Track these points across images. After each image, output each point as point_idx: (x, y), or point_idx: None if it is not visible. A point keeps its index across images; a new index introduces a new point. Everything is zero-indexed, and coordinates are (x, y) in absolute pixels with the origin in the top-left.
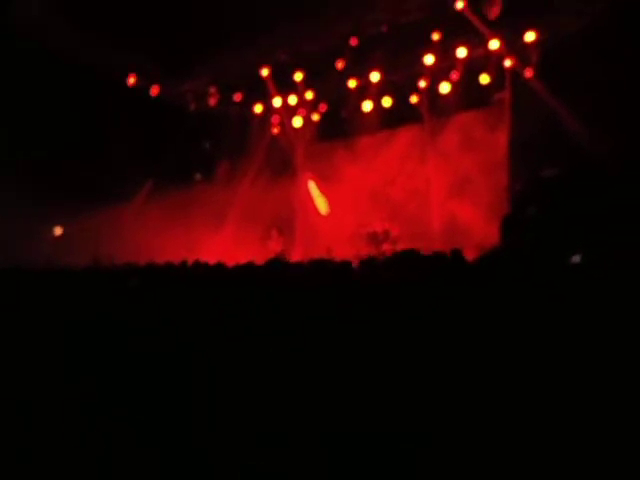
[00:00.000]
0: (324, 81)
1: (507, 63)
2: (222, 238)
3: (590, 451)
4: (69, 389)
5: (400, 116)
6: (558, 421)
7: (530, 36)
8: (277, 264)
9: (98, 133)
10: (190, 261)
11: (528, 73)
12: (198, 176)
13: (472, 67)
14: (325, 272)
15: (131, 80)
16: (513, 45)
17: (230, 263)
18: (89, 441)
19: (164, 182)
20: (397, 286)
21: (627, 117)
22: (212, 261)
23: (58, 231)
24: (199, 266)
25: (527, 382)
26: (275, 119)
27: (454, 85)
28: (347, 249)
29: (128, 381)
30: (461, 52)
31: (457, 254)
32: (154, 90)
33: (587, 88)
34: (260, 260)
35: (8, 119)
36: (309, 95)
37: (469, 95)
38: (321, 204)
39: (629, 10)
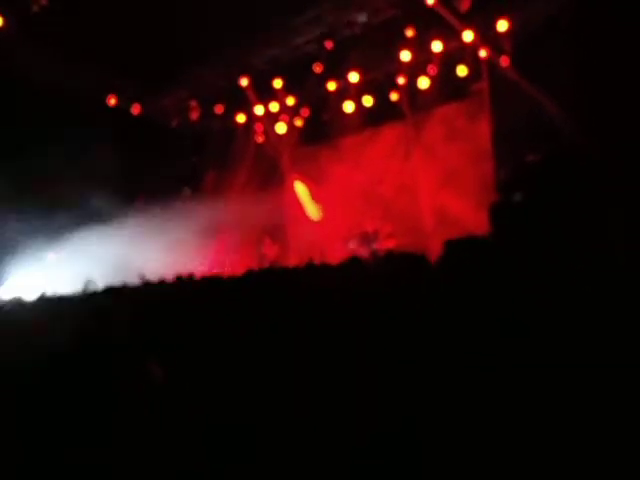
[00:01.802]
0: (304, 86)
1: (482, 54)
2: (216, 249)
3: (575, 447)
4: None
5: (382, 114)
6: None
7: (502, 25)
8: (274, 271)
9: (82, 154)
10: (185, 274)
11: (504, 62)
12: (187, 190)
13: (449, 60)
14: (319, 276)
15: (112, 101)
16: (486, 35)
17: (226, 273)
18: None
19: (153, 199)
20: (383, 290)
21: (601, 100)
22: (207, 272)
23: (51, 257)
24: (195, 279)
25: (519, 378)
26: (259, 127)
27: (432, 79)
28: (341, 251)
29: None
30: (436, 46)
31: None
32: (135, 108)
33: (561, 73)
34: (255, 268)
35: None
36: (290, 101)
37: (448, 88)
38: (312, 210)
39: None
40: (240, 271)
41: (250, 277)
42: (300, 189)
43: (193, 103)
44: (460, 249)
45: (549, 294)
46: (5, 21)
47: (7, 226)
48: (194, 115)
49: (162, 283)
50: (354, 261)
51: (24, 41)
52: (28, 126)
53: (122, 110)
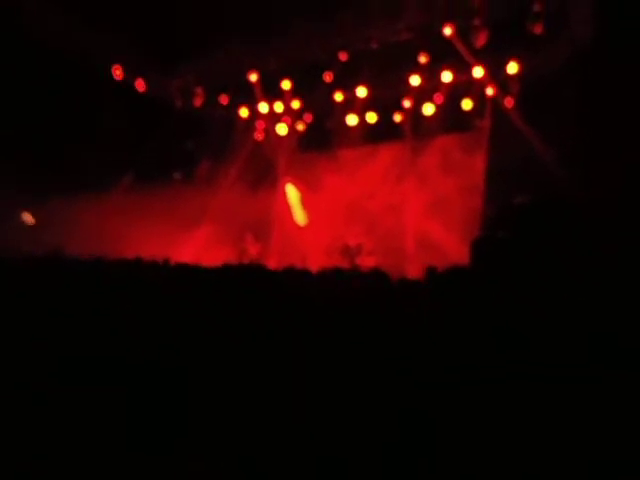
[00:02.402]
0: (311, 92)
1: (489, 91)
2: (196, 239)
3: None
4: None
5: (383, 133)
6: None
7: (512, 67)
8: (252, 268)
9: (80, 122)
10: (162, 259)
11: (508, 103)
12: (178, 174)
13: (455, 92)
14: (299, 281)
15: (117, 72)
16: (496, 74)
17: (204, 264)
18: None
19: (143, 177)
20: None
21: (598, 154)
22: (184, 260)
23: (27, 218)
24: (171, 265)
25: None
26: (260, 125)
27: (437, 107)
28: (322, 260)
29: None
30: (446, 76)
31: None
32: (140, 83)
33: (562, 123)
34: (234, 263)
35: None
36: (295, 104)
37: (451, 119)
38: (299, 215)
39: (612, 49)
40: (218, 264)
41: (228, 271)
42: (291, 192)
43: (199, 89)
44: (442, 277)
45: (527, 324)
46: None
47: None
48: (198, 101)
49: (137, 263)
50: (337, 272)
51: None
52: (28, 85)
53: (126, 84)
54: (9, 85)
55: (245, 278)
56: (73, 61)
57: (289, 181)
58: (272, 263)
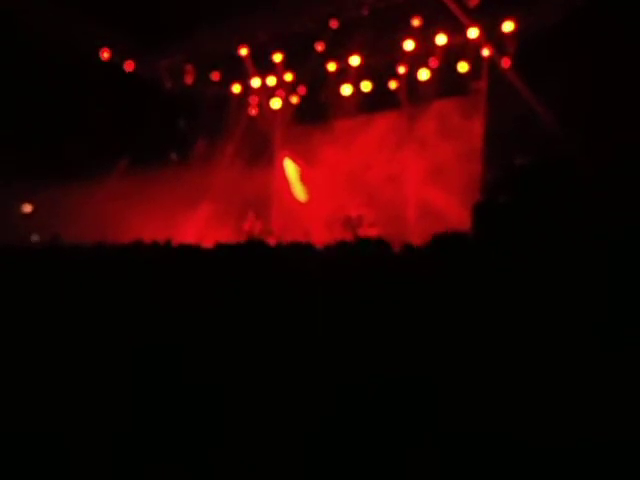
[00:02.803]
0: (304, 63)
1: (485, 52)
2: (197, 219)
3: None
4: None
5: (379, 101)
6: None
7: (508, 26)
8: (257, 245)
9: (71, 108)
10: (163, 240)
11: (505, 63)
12: (174, 155)
13: (451, 55)
14: (304, 256)
15: (105, 54)
16: (491, 34)
17: (206, 244)
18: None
19: (139, 160)
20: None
21: (596, 110)
22: (187, 241)
23: (27, 208)
24: (173, 246)
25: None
26: (253, 100)
27: (433, 72)
28: (324, 233)
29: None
30: (440, 39)
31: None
32: (128, 65)
33: (562, 80)
34: (237, 241)
35: None
36: (288, 77)
37: (447, 83)
38: (299, 190)
39: (607, 4)
40: (221, 242)
41: (233, 250)
42: (290, 168)
43: (189, 67)
44: (445, 243)
45: (529, 290)
46: None
47: None
48: (188, 79)
49: (138, 247)
50: (342, 245)
51: None
52: (15, 75)
53: (114, 65)
54: None
55: (250, 255)
56: (60, 47)
57: (286, 155)
58: (275, 239)
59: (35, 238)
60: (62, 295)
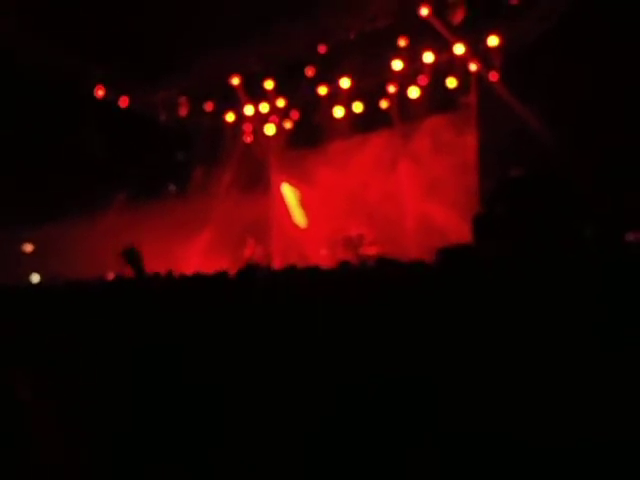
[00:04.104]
0: (295, 89)
1: (472, 67)
2: (197, 248)
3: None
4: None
5: (371, 121)
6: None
7: (493, 40)
8: (255, 272)
9: (68, 146)
10: (165, 272)
11: (493, 77)
12: (172, 187)
13: (439, 72)
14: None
15: (100, 92)
16: (477, 49)
17: (208, 272)
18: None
19: (137, 194)
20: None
21: (586, 119)
22: (188, 271)
23: (28, 248)
24: (175, 277)
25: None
26: (247, 127)
27: (422, 89)
28: (325, 255)
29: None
30: (428, 57)
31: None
32: (123, 101)
33: (548, 91)
34: (237, 268)
35: None
36: (280, 103)
37: (437, 99)
38: (299, 216)
39: (590, 15)
40: (222, 270)
41: (239, 277)
42: (288, 193)
43: (183, 99)
44: (451, 257)
45: (529, 291)
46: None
47: None
48: (183, 111)
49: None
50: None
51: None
52: (12, 112)
53: (109, 102)
54: None
55: (251, 282)
56: (55, 86)
57: (284, 180)
58: (276, 264)
59: (35, 279)
60: (65, 333)
